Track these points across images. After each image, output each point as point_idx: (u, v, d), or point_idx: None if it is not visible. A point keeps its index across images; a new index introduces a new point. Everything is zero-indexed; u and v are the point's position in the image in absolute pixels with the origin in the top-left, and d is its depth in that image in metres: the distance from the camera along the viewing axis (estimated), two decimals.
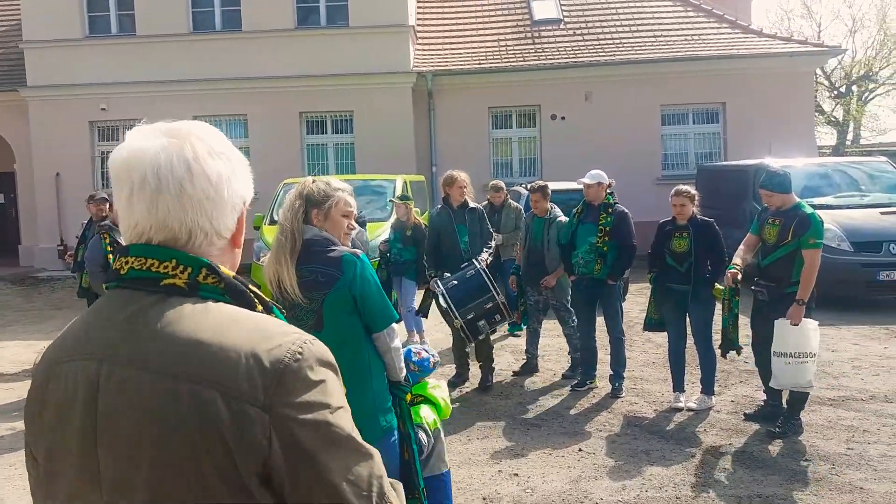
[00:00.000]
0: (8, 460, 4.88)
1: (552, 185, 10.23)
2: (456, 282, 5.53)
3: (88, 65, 14.85)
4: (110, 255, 5.91)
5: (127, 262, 1.06)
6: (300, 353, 0.98)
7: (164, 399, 0.95)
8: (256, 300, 1.07)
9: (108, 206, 7.08)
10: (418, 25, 16.12)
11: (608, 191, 5.86)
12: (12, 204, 17.84)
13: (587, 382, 5.96)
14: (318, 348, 1.01)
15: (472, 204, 6.18)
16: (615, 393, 5.76)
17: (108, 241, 5.99)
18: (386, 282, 7.44)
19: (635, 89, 14.85)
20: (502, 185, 8.13)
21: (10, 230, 17.59)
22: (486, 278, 5.50)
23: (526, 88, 15.13)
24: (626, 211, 5.80)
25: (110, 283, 1.07)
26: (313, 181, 2.61)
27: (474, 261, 5.69)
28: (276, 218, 9.80)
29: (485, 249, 6.01)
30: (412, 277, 7.36)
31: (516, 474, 4.36)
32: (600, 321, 5.96)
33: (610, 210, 5.77)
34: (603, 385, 5.98)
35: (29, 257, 15.35)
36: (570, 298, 6.25)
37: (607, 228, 5.72)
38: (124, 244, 1.10)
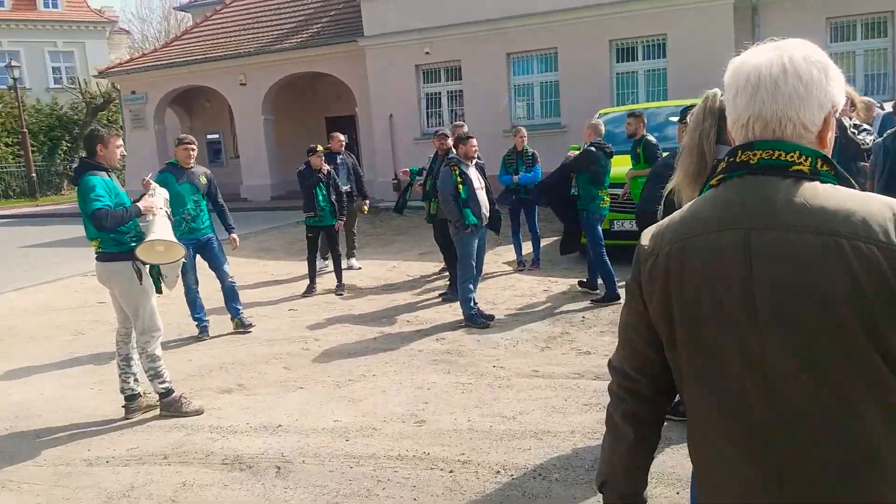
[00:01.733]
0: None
1: None
2: None
3: (414, 12, 16.10)
4: (460, 185, 6.51)
5: (755, 154, 1.27)
6: None
7: (824, 251, 1.17)
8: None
9: (447, 141, 7.75)
10: None
11: None
12: (354, 144, 20.36)
13: None
14: None
15: None
16: None
17: (457, 172, 6.59)
18: None
19: None
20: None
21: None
22: None
23: None
24: None
25: (734, 174, 1.28)
26: (721, 94, 2.43)
27: None
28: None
29: None
30: None
31: None
32: None
33: None
34: None
35: (369, 189, 17.43)
36: None
37: None
38: (735, 141, 1.33)
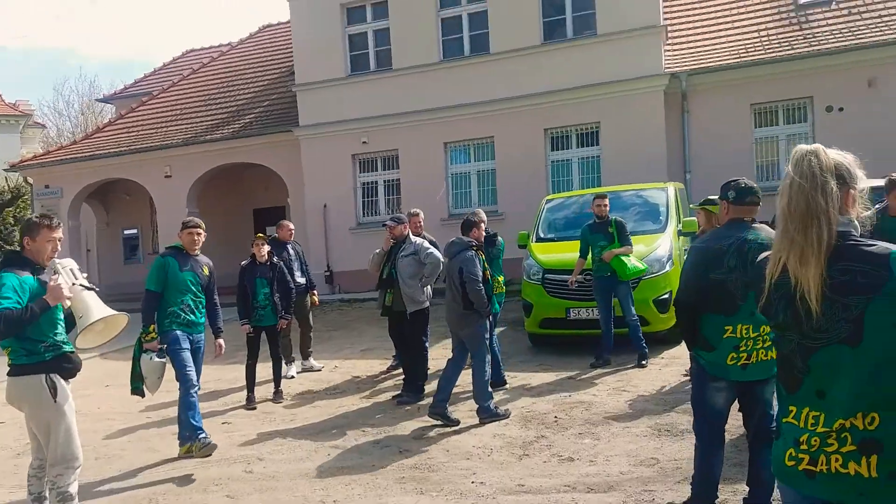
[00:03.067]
0: None
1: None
2: None
3: (352, 102, 15.95)
4: (487, 271, 6.21)
5: None
6: None
7: None
8: None
9: (405, 227, 7.23)
10: (667, 25, 15.27)
11: None
12: None
13: None
14: None
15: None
16: None
17: (483, 257, 6.28)
18: None
19: None
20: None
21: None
22: None
23: (795, 80, 13.63)
24: None
25: None
26: (821, 149, 2.01)
27: None
28: (541, 235, 9.58)
29: None
30: None
31: None
32: None
33: None
34: None
35: None
36: None
37: None
38: None
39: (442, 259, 7.02)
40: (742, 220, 3.57)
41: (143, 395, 4.64)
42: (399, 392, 7.18)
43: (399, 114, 15.57)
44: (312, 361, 8.85)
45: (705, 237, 3.75)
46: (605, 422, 5.85)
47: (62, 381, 4.01)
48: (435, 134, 15.44)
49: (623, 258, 7.40)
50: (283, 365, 8.11)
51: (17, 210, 23.77)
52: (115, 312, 4.14)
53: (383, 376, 8.21)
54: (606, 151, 14.37)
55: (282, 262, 7.90)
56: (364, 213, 16.38)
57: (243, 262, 7.64)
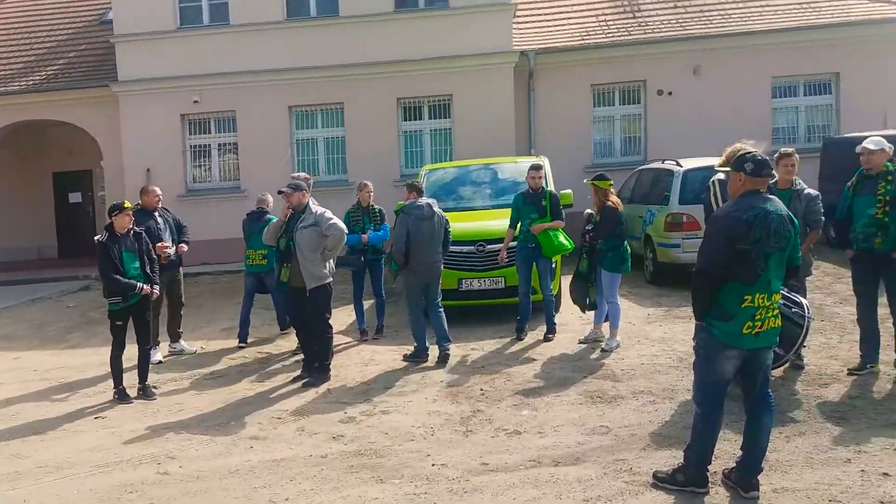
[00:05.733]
0: None
1: (692, 163, 9.86)
2: None
3: (180, 57, 14.46)
4: None
5: None
6: None
7: None
8: None
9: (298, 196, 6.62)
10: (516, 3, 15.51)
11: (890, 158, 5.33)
12: (89, 203, 17.58)
13: (867, 367, 5.45)
14: None
15: None
16: None
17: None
18: (588, 274, 6.99)
19: (746, 61, 14.16)
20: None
21: (89, 230, 17.29)
22: None
23: (630, 64, 14.50)
24: None
25: None
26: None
27: None
28: None
29: None
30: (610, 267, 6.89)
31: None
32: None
33: (890, 178, 5.25)
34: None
35: None
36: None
37: (887, 198, 5.20)
38: None
39: (346, 230, 6.56)
40: (759, 192, 3.61)
41: None
42: (300, 374, 6.62)
43: (237, 73, 14.39)
44: (183, 344, 7.92)
45: (728, 208, 3.66)
46: (535, 392, 5.81)
47: None
48: (278, 96, 14.48)
49: (551, 233, 7.31)
50: (166, 345, 7.24)
51: None
52: None
53: (260, 358, 7.56)
54: (458, 124, 14.38)
55: (144, 232, 6.87)
56: (195, 180, 15.02)
57: (99, 237, 6.51)
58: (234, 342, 8.13)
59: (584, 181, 7.60)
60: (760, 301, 3.54)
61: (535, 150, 14.31)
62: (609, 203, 6.92)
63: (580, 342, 7.15)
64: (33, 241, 17.30)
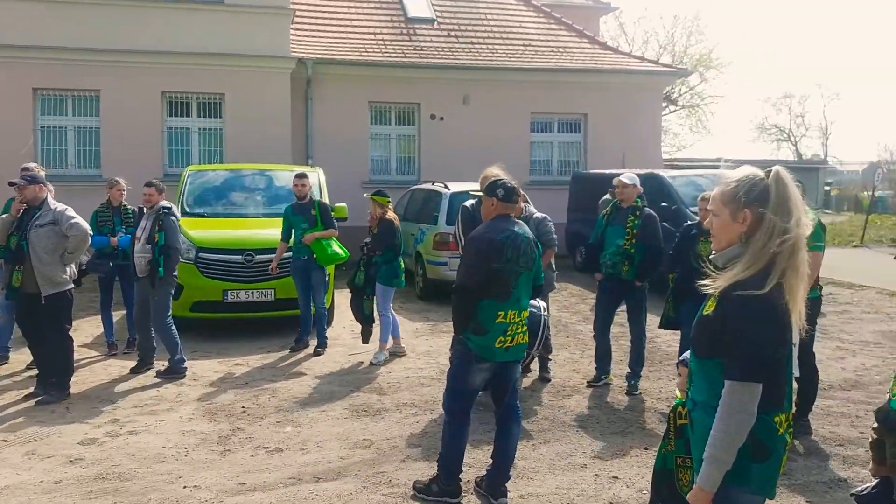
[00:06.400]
0: None
1: (458, 187, 10.43)
2: None
3: None
4: None
5: None
6: None
7: None
8: None
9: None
10: (296, 10, 15.31)
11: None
12: None
13: (602, 378, 6.10)
14: None
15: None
16: (631, 391, 5.95)
17: None
18: (364, 286, 7.04)
19: (509, 95, 15.35)
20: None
21: None
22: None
23: (406, 85, 15.00)
24: (654, 214, 6.00)
25: None
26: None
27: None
28: (188, 209, 8.84)
29: None
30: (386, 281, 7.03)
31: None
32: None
33: (638, 213, 5.94)
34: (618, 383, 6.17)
35: None
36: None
37: (634, 231, 5.89)
38: None
39: (89, 231, 5.96)
40: (508, 216, 3.92)
41: None
42: (33, 390, 5.87)
43: None
44: None
45: (483, 230, 3.91)
46: (299, 407, 5.71)
47: None
48: (18, 77, 12.82)
49: (324, 242, 7.22)
50: None
51: None
52: None
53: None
54: (230, 125, 13.79)
55: None
56: None
57: None
58: None
59: (365, 195, 7.69)
60: (512, 317, 3.83)
61: (312, 161, 14.18)
62: (387, 218, 7.07)
63: (350, 354, 7.18)
64: None
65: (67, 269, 5.85)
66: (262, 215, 8.96)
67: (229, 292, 7.81)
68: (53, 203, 5.89)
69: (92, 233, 6.09)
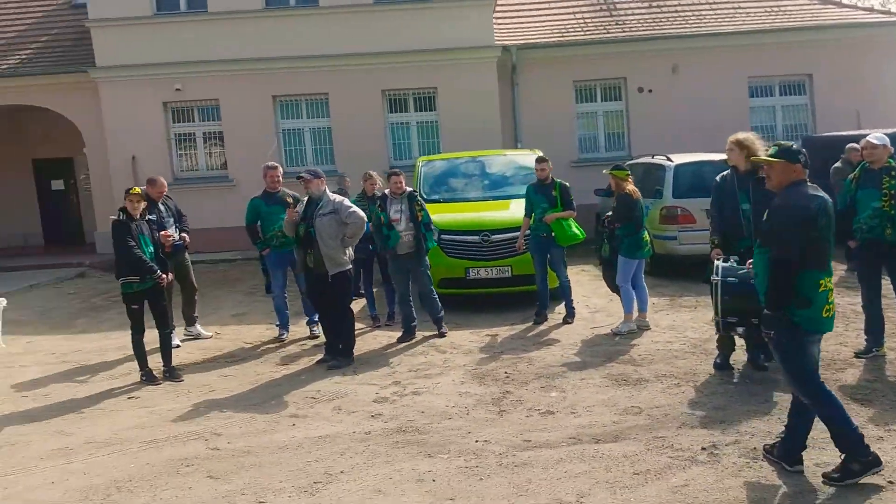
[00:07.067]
0: None
1: (681, 158, 10.19)
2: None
3: (159, 44, 14.27)
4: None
5: None
6: None
7: None
8: None
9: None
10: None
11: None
12: (73, 190, 17.24)
13: (874, 350, 5.81)
14: None
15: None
16: None
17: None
18: (610, 257, 7.23)
19: (722, 61, 14.71)
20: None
21: (73, 217, 17.03)
22: None
23: (611, 61, 14.89)
24: None
25: None
26: None
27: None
28: (425, 196, 9.45)
29: None
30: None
31: None
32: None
33: (893, 173, 5.60)
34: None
35: (106, 244, 14.74)
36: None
37: (892, 192, 5.55)
38: None
39: (365, 218, 6.69)
40: (806, 181, 3.83)
41: None
42: (324, 357, 6.73)
43: (217, 61, 14.29)
44: (199, 328, 7.94)
45: (795, 199, 3.73)
46: (559, 375, 6.03)
47: None
48: (261, 86, 14.42)
49: (564, 222, 7.52)
50: (183, 329, 7.54)
51: None
52: None
53: (275, 343, 7.63)
54: (444, 117, 14.54)
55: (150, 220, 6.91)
56: (181, 168, 14.89)
57: (115, 217, 6.53)
58: (248, 328, 8.26)
59: (604, 171, 7.82)
60: (829, 284, 3.75)
61: (521, 144, 14.57)
62: (626, 191, 7.19)
63: (592, 328, 7.40)
64: (18, 229, 16.92)
65: (347, 251, 6.63)
66: (490, 198, 9.42)
67: (471, 269, 8.35)
68: (331, 195, 6.70)
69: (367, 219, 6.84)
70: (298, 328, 7.98)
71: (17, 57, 15.38)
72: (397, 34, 14.20)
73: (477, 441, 4.71)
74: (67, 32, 15.95)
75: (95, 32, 14.46)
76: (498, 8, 15.82)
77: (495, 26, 15.11)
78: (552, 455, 4.44)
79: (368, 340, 7.46)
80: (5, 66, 15.05)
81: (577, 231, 7.58)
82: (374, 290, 8.45)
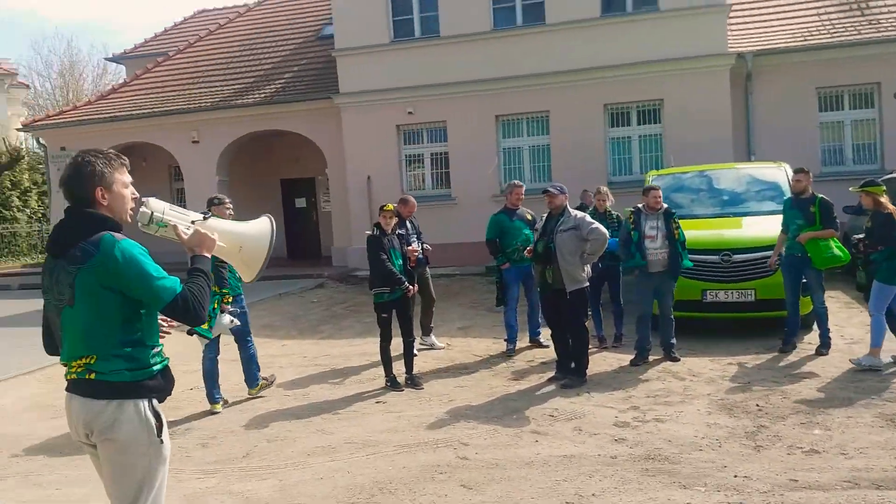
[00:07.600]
0: None
1: None
2: None
3: (395, 69, 15.26)
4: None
5: None
6: None
7: None
8: None
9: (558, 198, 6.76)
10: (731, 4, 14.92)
11: None
12: (313, 208, 18.97)
13: None
14: None
15: None
16: None
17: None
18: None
19: None
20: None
21: (312, 232, 18.73)
22: None
23: (862, 65, 13.46)
24: None
25: None
26: None
27: None
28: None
29: None
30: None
31: None
32: None
33: None
34: None
35: (341, 257, 16.08)
36: None
37: None
38: None
39: (607, 235, 6.59)
40: None
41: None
42: (555, 374, 6.73)
43: (447, 84, 14.97)
44: (434, 339, 8.35)
45: None
46: (820, 410, 5.50)
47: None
48: (486, 106, 14.88)
49: (821, 243, 6.86)
50: (418, 338, 7.81)
51: (14, 174, 22.41)
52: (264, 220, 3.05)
53: (503, 355, 7.77)
54: (669, 130, 14.01)
55: (400, 234, 7.41)
56: (410, 187, 15.78)
57: (370, 232, 7.06)
58: (475, 340, 8.51)
59: (851, 189, 7.12)
60: None
61: (754, 157, 13.64)
62: (885, 211, 6.42)
63: (852, 362, 6.66)
64: None
65: (585, 269, 6.58)
66: (729, 214, 8.88)
67: (708, 292, 7.89)
68: (572, 210, 6.69)
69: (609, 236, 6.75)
70: (522, 343, 8.06)
71: (273, 86, 17.28)
72: (622, 46, 13.97)
73: (736, 476, 4.41)
74: (315, 62, 17.64)
75: (340, 61, 15.81)
76: (732, 14, 15.00)
77: (729, 32, 14.31)
78: (827, 498, 4.03)
79: (598, 361, 7.33)
80: (263, 95, 16.96)
81: (837, 252, 6.83)
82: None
